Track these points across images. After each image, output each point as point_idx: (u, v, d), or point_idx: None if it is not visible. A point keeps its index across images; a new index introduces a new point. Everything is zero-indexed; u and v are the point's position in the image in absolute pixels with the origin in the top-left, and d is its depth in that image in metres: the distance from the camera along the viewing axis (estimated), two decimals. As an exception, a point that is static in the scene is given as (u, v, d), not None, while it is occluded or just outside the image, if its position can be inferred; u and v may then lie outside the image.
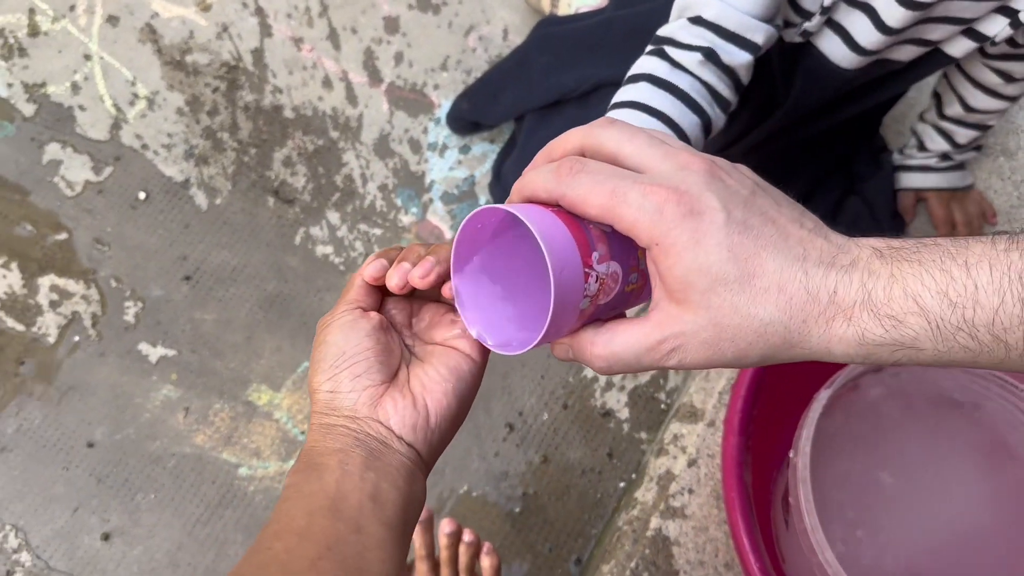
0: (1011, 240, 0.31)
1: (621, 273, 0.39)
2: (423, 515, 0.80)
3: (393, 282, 0.44)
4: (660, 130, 0.66)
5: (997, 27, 0.74)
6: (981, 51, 0.87)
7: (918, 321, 0.32)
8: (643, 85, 0.68)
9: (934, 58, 0.80)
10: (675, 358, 0.36)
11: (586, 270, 0.36)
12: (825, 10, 0.74)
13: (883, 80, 0.85)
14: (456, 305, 0.43)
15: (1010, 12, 0.72)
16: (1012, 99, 0.94)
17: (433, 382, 0.43)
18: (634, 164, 0.36)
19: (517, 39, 1.25)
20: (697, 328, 0.35)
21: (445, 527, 0.80)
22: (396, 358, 0.44)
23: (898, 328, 0.32)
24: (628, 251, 0.39)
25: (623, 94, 0.68)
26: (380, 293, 0.46)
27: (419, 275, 0.43)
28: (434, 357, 0.45)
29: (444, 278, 0.43)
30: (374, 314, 0.45)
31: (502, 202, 1.17)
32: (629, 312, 0.44)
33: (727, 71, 0.69)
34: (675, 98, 0.67)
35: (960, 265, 0.31)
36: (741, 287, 0.33)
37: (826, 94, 0.84)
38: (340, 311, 0.44)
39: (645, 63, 0.69)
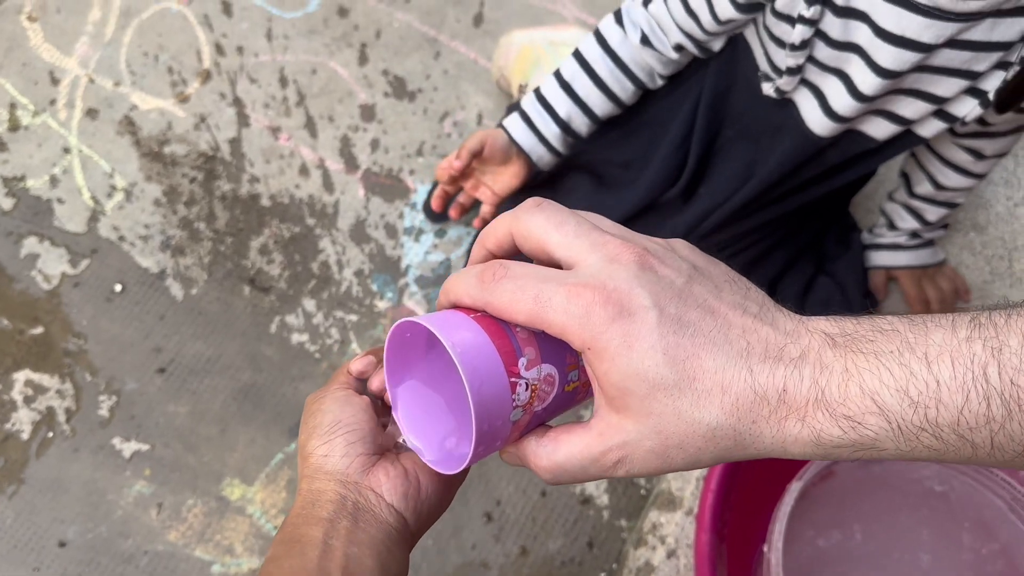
0: (972, 325, 0.29)
1: (557, 375, 0.37)
2: None
3: (374, 386, 0.46)
4: (597, 96, 0.88)
5: (967, 108, 0.75)
6: (951, 130, 0.89)
7: (878, 421, 0.29)
8: (595, 49, 0.88)
9: (906, 139, 0.82)
10: (622, 469, 0.33)
11: (513, 380, 0.35)
12: (792, 71, 0.75)
13: (856, 159, 0.86)
14: (395, 417, 0.43)
15: (979, 93, 0.73)
16: (980, 176, 0.96)
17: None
18: (562, 256, 0.34)
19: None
20: (641, 437, 0.32)
21: None
22: (384, 439, 0.45)
23: (856, 429, 0.30)
24: (563, 350, 0.37)
25: (583, 46, 0.88)
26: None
27: (375, 388, 0.47)
28: None
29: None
30: (365, 397, 0.46)
31: None
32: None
33: (660, 54, 0.86)
34: (615, 66, 0.87)
35: (920, 358, 0.29)
36: (681, 391, 0.31)
37: (801, 162, 0.85)
38: (333, 388, 0.46)
39: (607, 27, 0.87)
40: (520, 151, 0.90)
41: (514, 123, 0.91)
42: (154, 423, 1.08)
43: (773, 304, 0.34)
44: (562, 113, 0.89)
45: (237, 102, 1.26)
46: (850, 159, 0.86)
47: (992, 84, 0.72)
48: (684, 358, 0.31)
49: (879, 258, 1.07)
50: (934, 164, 0.96)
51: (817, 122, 0.79)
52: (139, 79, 1.27)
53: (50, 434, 1.06)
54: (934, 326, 0.30)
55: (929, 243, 1.06)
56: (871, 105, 0.76)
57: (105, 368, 1.10)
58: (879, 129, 0.80)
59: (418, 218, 1.22)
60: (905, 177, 1.03)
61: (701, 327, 0.32)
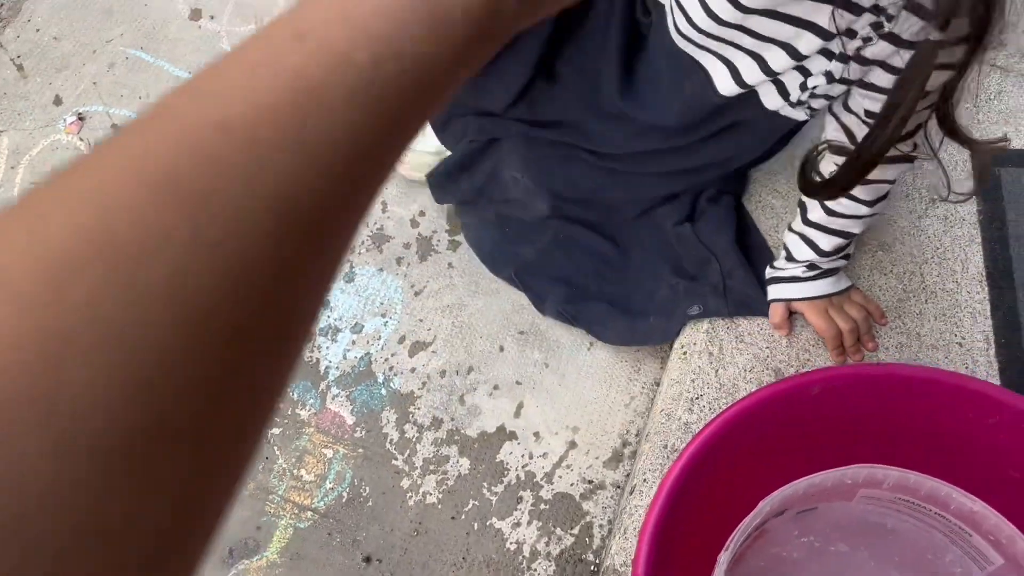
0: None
1: None
2: None
3: None
4: None
5: (795, 83, 0.85)
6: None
7: None
8: None
9: (752, 103, 0.91)
10: None
11: None
12: None
13: (710, 114, 0.97)
14: None
15: (807, 72, 0.83)
16: (868, 203, 0.95)
17: None
18: None
19: (396, 208, 1.26)
20: None
21: None
22: None
23: None
24: None
25: None
26: None
27: None
28: None
29: None
30: None
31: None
32: None
33: None
34: None
35: None
36: None
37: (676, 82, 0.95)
38: None
39: None
40: None
41: None
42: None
43: None
44: None
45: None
46: (709, 112, 0.96)
47: (818, 67, 0.81)
48: None
49: (778, 291, 1.05)
50: None
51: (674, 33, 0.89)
52: (32, 218, 1.25)
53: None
54: None
55: (829, 272, 1.04)
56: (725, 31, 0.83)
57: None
58: (724, 84, 0.89)
59: (332, 316, 1.20)
60: (802, 206, 1.03)
61: None
